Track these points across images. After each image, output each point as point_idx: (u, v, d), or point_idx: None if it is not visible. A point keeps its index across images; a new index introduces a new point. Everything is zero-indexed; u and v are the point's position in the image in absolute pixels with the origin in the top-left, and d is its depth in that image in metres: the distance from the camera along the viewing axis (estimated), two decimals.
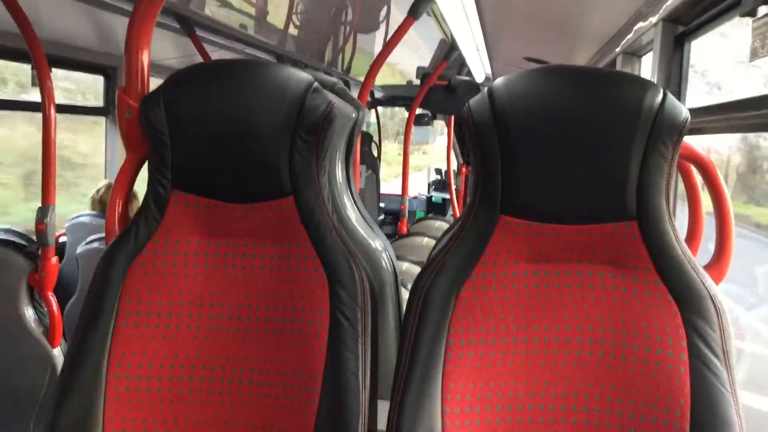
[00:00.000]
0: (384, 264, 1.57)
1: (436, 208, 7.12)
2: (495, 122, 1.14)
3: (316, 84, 1.26)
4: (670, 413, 1.09)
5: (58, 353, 2.25)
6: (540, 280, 1.18)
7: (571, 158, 1.13)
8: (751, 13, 1.35)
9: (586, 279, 1.18)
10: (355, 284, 1.21)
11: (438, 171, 7.67)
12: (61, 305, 2.32)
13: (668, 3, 1.76)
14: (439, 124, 7.64)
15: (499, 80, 1.19)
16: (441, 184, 7.35)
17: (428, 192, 7.54)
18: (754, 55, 1.36)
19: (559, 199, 1.15)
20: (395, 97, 6.01)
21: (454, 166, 5.61)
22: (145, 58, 1.34)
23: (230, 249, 1.28)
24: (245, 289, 1.26)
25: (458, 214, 5.01)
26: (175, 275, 1.26)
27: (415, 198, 7.29)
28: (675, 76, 1.91)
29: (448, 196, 6.05)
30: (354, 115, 1.48)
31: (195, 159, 1.26)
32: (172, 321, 1.25)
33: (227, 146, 1.24)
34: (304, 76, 1.27)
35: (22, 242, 2.30)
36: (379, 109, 6.48)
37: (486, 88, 1.18)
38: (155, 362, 1.23)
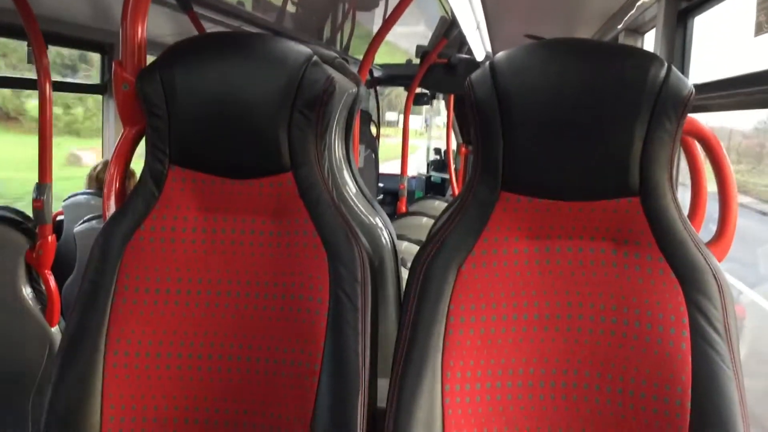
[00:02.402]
0: (384, 241, 1.56)
1: (435, 188, 7.10)
2: (497, 97, 1.13)
3: (315, 57, 1.25)
4: (671, 390, 1.09)
5: (56, 331, 2.25)
6: (541, 256, 1.17)
7: (573, 133, 1.12)
8: None
9: (588, 255, 1.17)
10: (354, 260, 1.20)
11: (437, 150, 7.65)
12: (59, 284, 2.32)
13: None
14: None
15: (500, 54, 1.18)
16: (440, 164, 7.33)
17: (427, 172, 7.52)
18: (759, 29, 1.35)
19: (561, 175, 1.14)
20: (394, 76, 5.97)
21: (453, 145, 5.60)
22: (142, 31, 1.32)
23: (229, 225, 1.27)
24: (244, 265, 1.25)
25: (457, 194, 5.00)
26: (173, 251, 1.25)
27: (414, 178, 7.27)
28: (678, 52, 1.89)
29: (447, 176, 6.03)
30: (354, 90, 1.47)
31: (193, 133, 1.24)
32: (170, 297, 1.24)
33: (225, 120, 1.22)
34: (304, 49, 1.25)
35: (20, 219, 2.29)
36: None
37: (488, 63, 1.17)
38: (154, 339, 1.23)
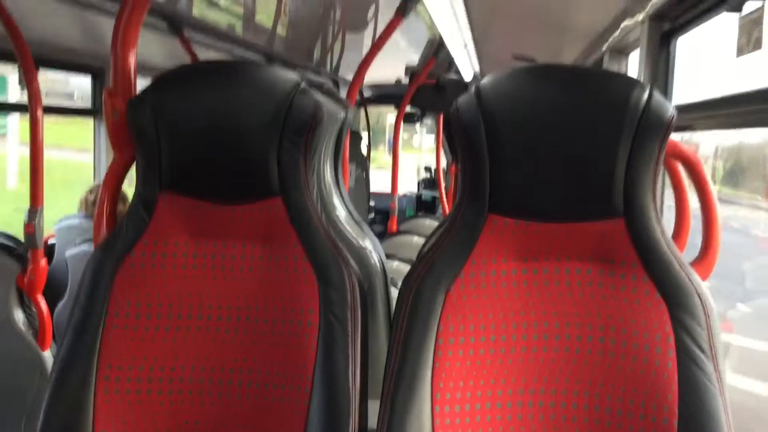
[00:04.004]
0: (373, 263, 1.57)
1: (426, 206, 7.11)
2: (482, 121, 1.14)
3: (303, 84, 1.26)
4: (658, 409, 1.10)
5: (48, 356, 2.24)
6: (528, 278, 1.18)
7: (558, 156, 1.13)
8: (737, 8, 1.36)
9: (575, 276, 1.18)
10: (344, 284, 1.21)
11: (427, 169, 7.66)
12: (51, 307, 2.31)
13: (654, 1, 1.77)
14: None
15: (486, 79, 1.19)
16: (431, 182, 7.34)
17: (418, 190, 7.53)
18: (741, 51, 1.37)
19: (547, 198, 1.15)
20: (384, 95, 6.00)
21: (443, 164, 5.62)
22: (132, 59, 1.34)
23: (219, 250, 1.27)
24: (234, 290, 1.26)
25: (448, 213, 5.01)
26: (164, 277, 1.25)
27: (405, 196, 7.28)
28: (662, 73, 1.92)
29: (437, 194, 6.05)
30: (342, 115, 1.48)
31: (183, 160, 1.25)
32: (161, 323, 1.24)
33: (215, 147, 1.24)
34: (292, 76, 1.27)
35: (11, 244, 2.29)
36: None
37: (473, 87, 1.19)
38: (145, 364, 1.23)
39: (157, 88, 1.27)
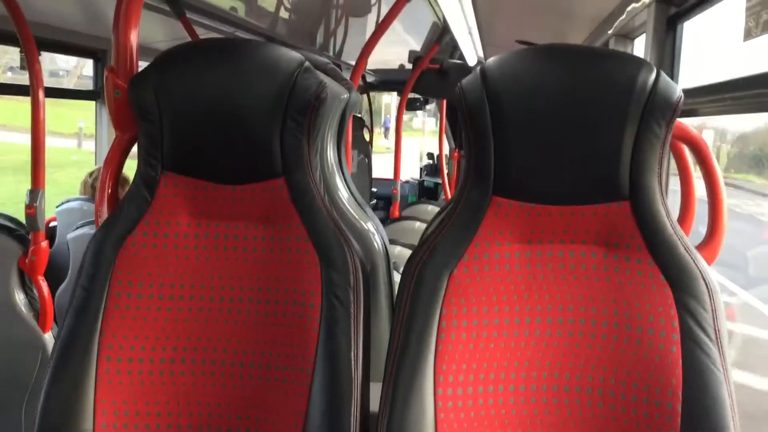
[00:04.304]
0: (376, 245, 1.57)
1: (428, 193, 7.11)
2: (487, 102, 1.14)
3: (307, 63, 1.25)
4: (662, 393, 1.09)
5: (49, 338, 2.24)
6: (533, 260, 1.18)
7: (563, 138, 1.13)
8: None
9: (579, 259, 1.17)
10: (347, 266, 1.21)
11: (430, 155, 7.65)
12: (52, 290, 2.31)
13: None
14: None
15: (491, 60, 1.18)
16: (433, 169, 7.33)
17: (420, 176, 7.53)
18: (748, 34, 1.36)
19: (552, 180, 1.15)
20: (387, 81, 5.98)
21: (446, 150, 5.60)
22: (134, 37, 1.33)
23: (221, 230, 1.27)
24: (237, 270, 1.26)
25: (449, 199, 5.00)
26: (165, 257, 1.25)
27: (407, 182, 7.28)
28: (668, 57, 1.90)
29: (440, 181, 6.04)
30: (345, 96, 1.47)
31: (185, 139, 1.25)
32: (163, 303, 1.24)
33: (218, 126, 1.23)
34: (296, 55, 1.26)
35: (12, 226, 2.28)
36: None
37: (478, 68, 1.18)
38: (146, 344, 1.23)
39: (159, 66, 1.26)
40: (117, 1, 1.32)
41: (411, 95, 4.68)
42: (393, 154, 4.24)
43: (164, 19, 2.79)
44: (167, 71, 1.25)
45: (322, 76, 1.28)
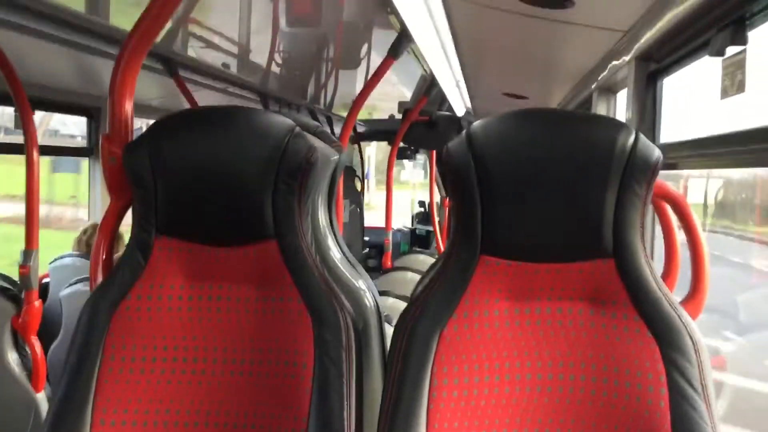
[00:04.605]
0: (368, 303, 1.58)
1: (420, 241, 7.12)
2: (474, 165, 1.17)
3: (297, 128, 1.29)
4: None
5: (42, 397, 2.23)
6: (521, 318, 1.19)
7: (548, 199, 1.15)
8: (720, 52, 1.39)
9: (567, 316, 1.19)
10: (339, 325, 1.22)
11: (421, 203, 7.69)
12: (45, 347, 2.30)
13: (641, 42, 1.80)
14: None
15: (476, 124, 1.22)
16: (425, 217, 7.36)
17: (412, 224, 7.55)
18: (725, 93, 1.40)
19: (538, 239, 1.17)
20: (378, 131, 6.04)
21: (437, 198, 5.64)
22: (129, 105, 1.36)
23: (214, 292, 1.28)
24: (230, 332, 1.27)
25: (442, 247, 5.03)
26: (159, 320, 1.26)
27: (399, 231, 7.30)
28: (649, 111, 1.94)
29: (431, 229, 6.07)
30: (335, 158, 1.50)
31: (179, 205, 1.27)
32: (156, 366, 1.25)
33: (211, 191, 1.25)
34: (286, 121, 1.29)
35: (5, 285, 2.29)
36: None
37: (464, 132, 1.21)
38: (140, 407, 1.23)
39: (153, 133, 1.29)
40: (114, 68, 1.36)
41: (402, 144, 4.74)
42: (376, 210, 4.27)
43: (156, 76, 2.84)
44: (162, 139, 1.28)
45: (312, 139, 1.31)
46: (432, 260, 3.61)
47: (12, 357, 2.21)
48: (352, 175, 5.42)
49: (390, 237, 4.14)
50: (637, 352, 1.15)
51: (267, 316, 1.26)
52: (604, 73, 2.31)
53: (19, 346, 2.24)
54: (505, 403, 1.16)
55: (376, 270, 4.45)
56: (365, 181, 5.92)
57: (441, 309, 1.18)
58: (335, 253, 1.38)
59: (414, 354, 1.15)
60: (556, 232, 1.17)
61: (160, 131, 1.29)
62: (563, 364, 1.17)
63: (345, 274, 1.38)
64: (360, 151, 6.04)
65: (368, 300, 1.59)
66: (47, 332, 2.48)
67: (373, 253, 6.24)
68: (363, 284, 1.57)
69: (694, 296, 1.27)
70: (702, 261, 1.26)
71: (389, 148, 4.60)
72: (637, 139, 1.15)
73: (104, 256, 1.35)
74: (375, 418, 1.17)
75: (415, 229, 7.28)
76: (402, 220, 8.06)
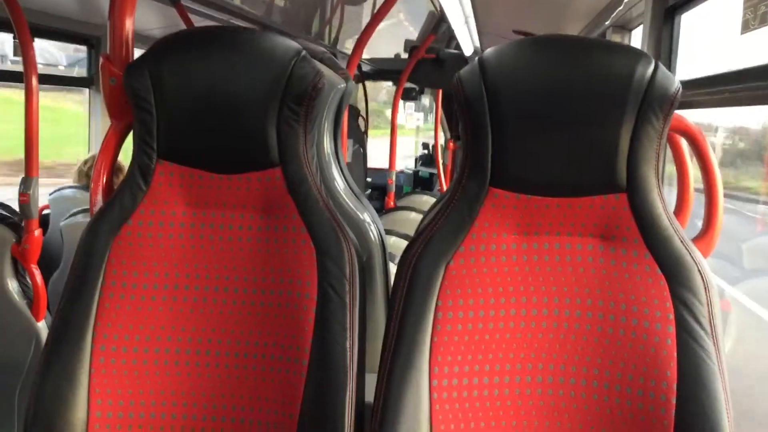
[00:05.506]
0: (372, 236, 1.57)
1: (423, 183, 7.11)
2: (485, 93, 1.13)
3: (304, 53, 1.25)
4: (657, 385, 1.10)
5: (42, 326, 2.24)
6: (529, 252, 1.18)
7: (561, 129, 1.12)
8: None
9: (575, 251, 1.17)
10: (343, 256, 1.21)
11: (425, 145, 7.64)
12: (46, 278, 2.30)
13: None
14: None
15: (489, 50, 1.18)
16: (428, 159, 7.32)
17: (415, 167, 7.52)
18: (746, 27, 1.35)
19: (549, 172, 1.15)
20: (383, 70, 5.96)
21: (441, 140, 5.60)
22: (129, 25, 1.32)
23: (217, 220, 1.26)
24: (232, 260, 1.25)
25: (445, 190, 5.01)
26: (160, 246, 1.25)
27: (402, 172, 7.27)
28: (665, 49, 1.90)
29: (435, 171, 6.04)
30: (342, 86, 1.47)
31: (181, 128, 1.24)
32: (157, 292, 1.23)
33: (214, 115, 1.22)
34: (292, 44, 1.25)
35: (5, 213, 2.27)
36: None
37: (477, 59, 1.17)
38: (141, 333, 1.22)
39: (154, 53, 1.25)
40: None
41: (407, 84, 4.67)
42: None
43: (159, 6, 2.78)
44: (163, 59, 1.24)
45: (319, 65, 1.27)
46: (435, 200, 3.60)
47: (12, 285, 2.21)
48: (355, 114, 5.37)
49: (393, 177, 4.12)
50: (646, 288, 1.13)
51: (270, 244, 1.24)
52: (620, 8, 2.25)
53: (19, 275, 2.24)
54: (510, 338, 1.15)
55: (378, 211, 4.44)
56: (368, 121, 5.85)
57: (447, 242, 1.16)
58: (340, 183, 1.36)
59: (418, 287, 1.14)
60: (569, 165, 1.14)
61: (162, 51, 1.25)
62: (570, 300, 1.16)
63: (349, 205, 1.36)
64: (365, 91, 5.97)
65: (373, 233, 1.58)
66: (48, 264, 2.48)
67: (376, 195, 6.23)
68: (368, 217, 1.55)
69: (706, 233, 1.25)
70: (716, 198, 1.23)
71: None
72: (656, 68, 1.11)
73: (105, 180, 1.33)
74: (377, 351, 1.17)
75: (418, 171, 7.26)
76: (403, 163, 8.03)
